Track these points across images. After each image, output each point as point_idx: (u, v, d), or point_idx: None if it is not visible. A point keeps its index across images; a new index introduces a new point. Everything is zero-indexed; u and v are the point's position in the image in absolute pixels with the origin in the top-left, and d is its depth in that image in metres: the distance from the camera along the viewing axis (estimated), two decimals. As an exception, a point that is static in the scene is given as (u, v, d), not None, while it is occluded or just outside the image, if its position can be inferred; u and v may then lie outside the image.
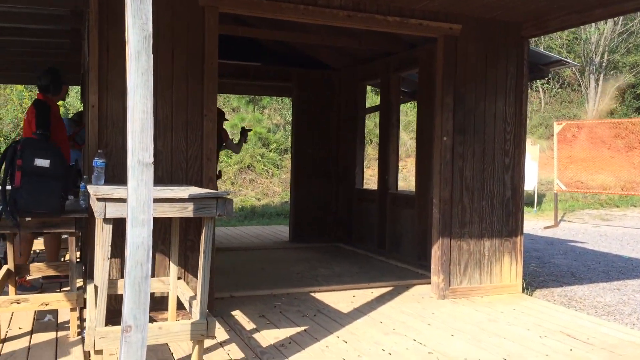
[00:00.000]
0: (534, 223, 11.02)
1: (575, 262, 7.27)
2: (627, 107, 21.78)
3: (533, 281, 6.26)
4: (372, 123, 13.71)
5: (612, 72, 21.68)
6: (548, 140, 19.20)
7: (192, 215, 2.66)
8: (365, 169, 14.15)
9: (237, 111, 16.57)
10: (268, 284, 5.03)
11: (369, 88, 13.11)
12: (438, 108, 4.87)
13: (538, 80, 21.56)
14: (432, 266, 4.88)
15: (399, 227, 6.74)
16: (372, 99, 13.05)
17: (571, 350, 3.51)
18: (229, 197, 2.77)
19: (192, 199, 2.66)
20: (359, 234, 7.64)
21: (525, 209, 13.02)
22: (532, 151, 12.57)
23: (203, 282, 2.70)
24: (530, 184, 12.56)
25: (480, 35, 4.93)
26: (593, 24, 20.56)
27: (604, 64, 20.98)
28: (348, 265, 6.22)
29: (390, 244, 6.92)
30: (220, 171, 7.67)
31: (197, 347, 2.66)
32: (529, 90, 22.08)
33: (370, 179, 12.72)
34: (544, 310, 4.54)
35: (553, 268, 6.93)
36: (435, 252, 4.84)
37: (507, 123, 5.03)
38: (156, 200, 2.59)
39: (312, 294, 4.75)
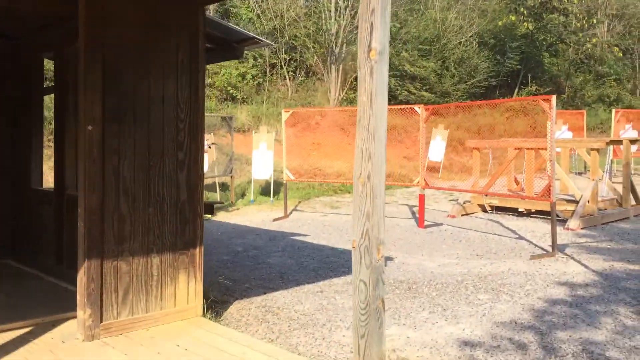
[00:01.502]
0: (266, 214, 10.59)
1: (290, 260, 6.80)
2: (364, 97, 23.42)
3: (237, 289, 5.52)
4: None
5: (350, 62, 23.01)
6: (293, 127, 19.48)
7: None
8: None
9: None
10: None
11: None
12: (81, 88, 3.64)
13: (285, 68, 21.83)
14: (78, 297, 3.67)
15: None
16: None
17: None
18: None
19: None
20: (34, 247, 6.04)
21: (263, 198, 12.69)
22: (268, 139, 12.20)
23: None
24: (266, 173, 12.19)
25: (142, -4, 3.84)
26: (333, 16, 21.48)
27: (343, 55, 22.09)
28: (-6, 295, 4.65)
29: (68, 260, 5.50)
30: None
31: None
32: (279, 78, 22.27)
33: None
34: (216, 342, 3.69)
35: (264, 270, 6.32)
36: (81, 279, 3.63)
37: (179, 109, 4.05)
38: None
39: None
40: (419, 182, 8.95)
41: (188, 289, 4.11)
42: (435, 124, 18.01)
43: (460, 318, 4.65)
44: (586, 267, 6.26)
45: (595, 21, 26.93)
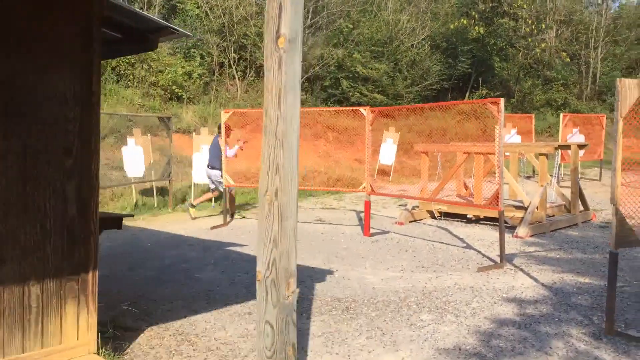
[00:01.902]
0: (206, 221, 9.92)
1: (221, 276, 6.19)
2: (316, 98, 22.96)
3: (155, 311, 4.88)
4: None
5: (303, 62, 22.50)
6: (242, 129, 18.81)
7: None
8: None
9: None
10: None
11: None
12: None
13: (234, 67, 21.10)
14: None
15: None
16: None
17: None
18: None
19: None
20: None
21: (205, 204, 11.97)
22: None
23: None
24: (200, 176, 11.51)
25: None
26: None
27: (293, 55, 21.53)
28: None
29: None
30: None
31: None
32: (228, 78, 21.49)
33: None
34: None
35: (191, 288, 5.69)
36: None
37: (68, 107, 3.40)
38: None
39: None
40: (365, 187, 8.48)
41: (78, 321, 3.46)
42: (387, 127, 17.70)
43: (400, 344, 4.17)
44: (535, 280, 5.91)
45: (544, 26, 27.36)
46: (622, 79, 4.17)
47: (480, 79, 27.86)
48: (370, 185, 8.41)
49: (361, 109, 8.43)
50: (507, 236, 8.21)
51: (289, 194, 2.26)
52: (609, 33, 30.35)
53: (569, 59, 28.72)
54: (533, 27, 26.24)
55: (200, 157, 11.63)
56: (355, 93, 22.49)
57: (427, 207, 9.88)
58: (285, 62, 2.22)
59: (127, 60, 17.41)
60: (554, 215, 9.14)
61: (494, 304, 5.11)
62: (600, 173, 16.63)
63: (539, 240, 7.96)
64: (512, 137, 17.43)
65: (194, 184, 11.85)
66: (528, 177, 16.41)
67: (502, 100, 6.34)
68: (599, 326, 4.48)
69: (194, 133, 12.32)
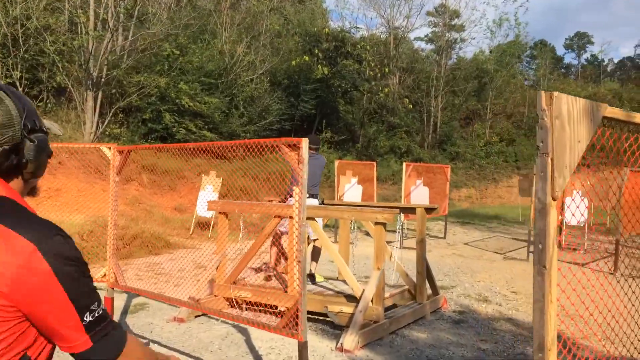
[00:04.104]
0: None
1: None
2: (133, 132, 19.24)
3: None
4: None
5: (114, 90, 18.76)
6: (22, 167, 14.49)
7: None
8: None
9: None
10: None
11: None
12: None
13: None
14: None
15: None
16: None
17: None
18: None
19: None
20: None
21: None
22: None
23: None
24: None
25: None
26: (91, 31, 17.12)
27: (102, 80, 17.74)
28: None
29: None
30: None
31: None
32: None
33: None
34: None
35: None
36: None
37: None
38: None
39: None
40: (106, 276, 5.22)
41: None
42: (207, 171, 14.64)
43: None
44: None
45: (387, 71, 26.56)
46: (558, 93, 1.50)
47: (325, 121, 26.15)
48: (115, 274, 5.17)
49: (104, 147, 5.26)
50: (329, 347, 5.45)
51: None
52: (448, 83, 30.72)
53: (411, 106, 28.28)
54: (377, 70, 25.26)
55: None
56: (181, 129, 19.19)
57: (224, 293, 6.84)
58: None
59: None
60: (395, 306, 6.62)
61: None
62: (445, 230, 15.03)
63: (372, 356, 5.27)
64: (352, 186, 15.33)
65: None
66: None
67: (305, 142, 3.59)
68: None
69: None
